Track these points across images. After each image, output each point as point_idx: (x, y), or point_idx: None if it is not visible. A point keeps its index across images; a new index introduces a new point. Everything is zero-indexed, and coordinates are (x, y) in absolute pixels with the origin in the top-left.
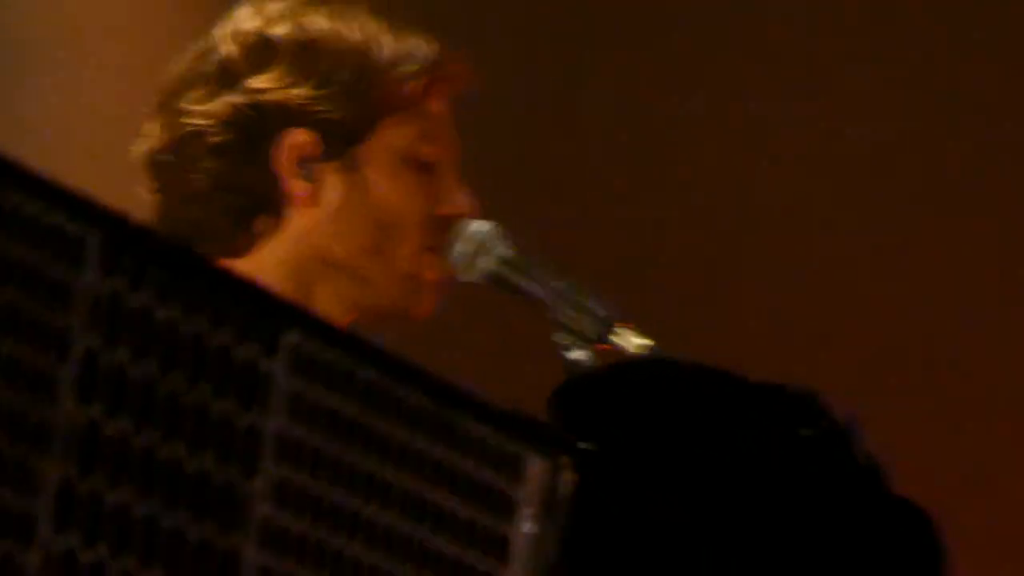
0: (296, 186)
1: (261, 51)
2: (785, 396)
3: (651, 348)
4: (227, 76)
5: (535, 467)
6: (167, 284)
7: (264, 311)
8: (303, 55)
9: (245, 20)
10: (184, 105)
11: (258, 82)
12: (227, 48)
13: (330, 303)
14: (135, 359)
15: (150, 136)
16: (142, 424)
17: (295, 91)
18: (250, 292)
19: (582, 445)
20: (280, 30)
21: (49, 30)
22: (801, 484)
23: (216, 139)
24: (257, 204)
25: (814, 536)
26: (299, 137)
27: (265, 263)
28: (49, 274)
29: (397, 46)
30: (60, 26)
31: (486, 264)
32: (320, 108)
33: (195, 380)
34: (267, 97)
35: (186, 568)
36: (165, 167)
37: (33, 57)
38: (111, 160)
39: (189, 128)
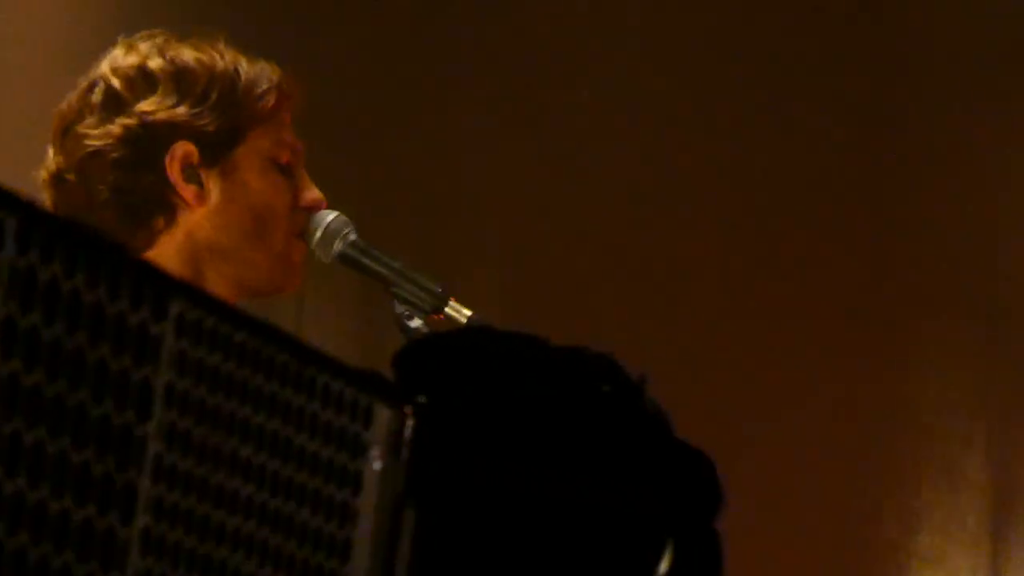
0: (185, 189)
1: (143, 81)
2: (588, 357)
3: (472, 318)
4: (116, 103)
5: (383, 415)
6: (72, 260)
7: (154, 283)
8: (179, 81)
9: (121, 58)
10: (81, 130)
11: (145, 105)
12: (112, 81)
13: (219, 284)
14: (46, 323)
15: (50, 161)
16: (53, 376)
17: (177, 110)
18: (142, 268)
19: (419, 398)
20: (155, 63)
21: None
22: (601, 429)
23: (114, 155)
24: (154, 206)
25: (612, 472)
26: (184, 148)
27: (164, 254)
28: None
29: (252, 70)
30: None
31: (339, 247)
32: (198, 123)
33: (96, 340)
34: (154, 117)
35: (92, 497)
36: (68, 184)
37: None
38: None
39: (89, 149)
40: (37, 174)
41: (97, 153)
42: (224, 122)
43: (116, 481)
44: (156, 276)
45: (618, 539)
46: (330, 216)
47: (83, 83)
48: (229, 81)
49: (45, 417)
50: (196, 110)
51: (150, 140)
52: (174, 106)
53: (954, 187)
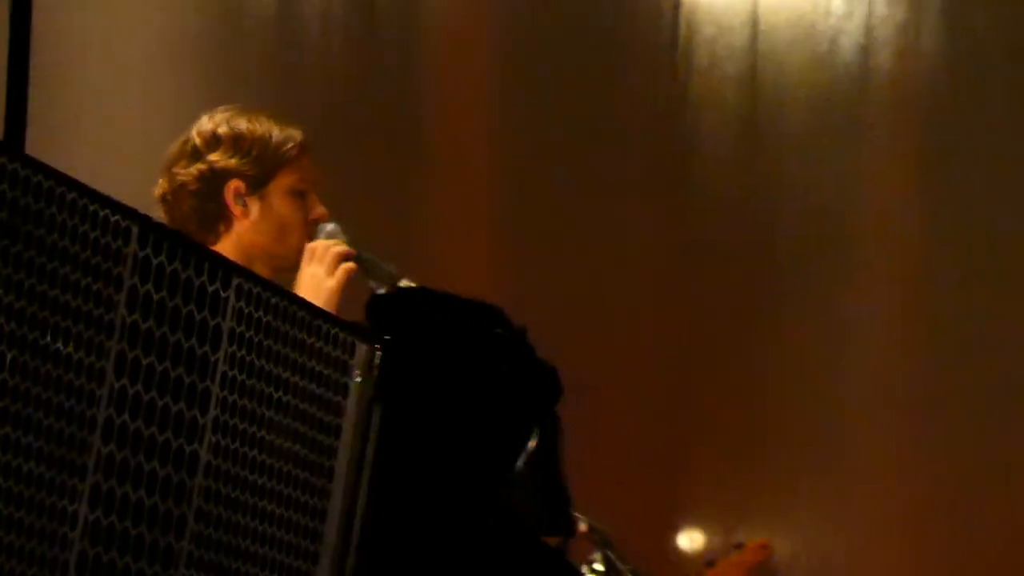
0: (236, 209)
1: (213, 141)
2: (488, 308)
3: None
4: (196, 154)
5: (361, 348)
6: (172, 251)
7: (222, 266)
8: (235, 142)
9: (204, 124)
10: (176, 170)
11: (213, 156)
12: (195, 139)
13: (260, 268)
14: (156, 290)
15: (159, 185)
16: (160, 322)
17: (231, 161)
18: (214, 257)
19: (385, 337)
20: (222, 129)
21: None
22: (499, 355)
23: (193, 187)
24: (218, 220)
25: (504, 379)
26: (235, 184)
27: (225, 249)
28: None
29: (282, 134)
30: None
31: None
32: (244, 169)
33: (187, 301)
34: (217, 165)
35: (181, 395)
36: (169, 203)
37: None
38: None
39: (180, 182)
40: (151, 192)
41: (183, 185)
42: (261, 168)
43: (197, 388)
44: (223, 262)
45: (509, 419)
46: (329, 225)
47: (182, 137)
48: (265, 142)
49: (161, 351)
50: (243, 160)
51: (215, 179)
52: (230, 158)
53: None
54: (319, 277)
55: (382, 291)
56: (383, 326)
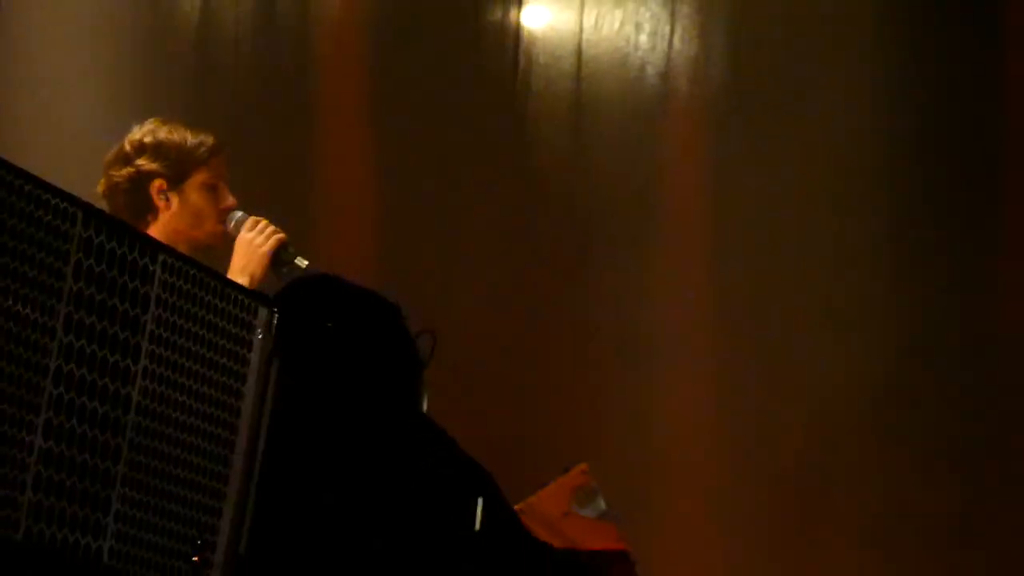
0: (160, 203)
1: (140, 148)
2: (379, 297)
3: (308, 266)
4: (127, 159)
5: (263, 311)
6: (111, 232)
7: (150, 245)
8: (156, 148)
9: (133, 134)
10: (111, 171)
11: (139, 161)
12: (126, 147)
13: (182, 248)
14: (97, 264)
15: (100, 184)
16: (102, 290)
17: (153, 164)
18: (144, 238)
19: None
20: (147, 139)
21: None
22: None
23: (124, 186)
24: (146, 211)
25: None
26: (158, 182)
27: (154, 233)
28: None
29: (195, 139)
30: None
31: (236, 231)
32: (165, 171)
33: (122, 273)
34: (142, 168)
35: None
36: (107, 196)
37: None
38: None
39: (114, 181)
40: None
41: (118, 184)
42: (177, 169)
43: (131, 342)
44: (151, 241)
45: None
46: (238, 213)
47: (116, 145)
48: (181, 147)
49: (101, 313)
50: (164, 164)
51: (142, 179)
52: (153, 162)
53: None
54: (256, 243)
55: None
56: (303, 301)
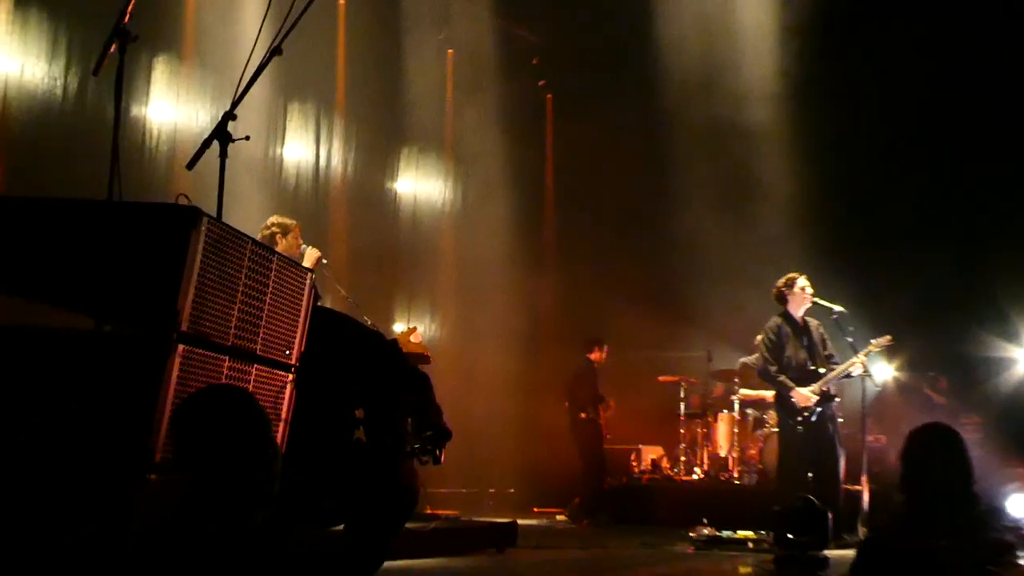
0: (278, 246)
1: (269, 239)
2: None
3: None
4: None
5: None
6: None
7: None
8: (270, 237)
9: (262, 231)
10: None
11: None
12: (260, 235)
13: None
14: None
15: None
16: None
17: (275, 242)
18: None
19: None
20: (265, 233)
21: None
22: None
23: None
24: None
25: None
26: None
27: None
28: None
29: (289, 225)
30: None
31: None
32: (277, 241)
33: None
34: (271, 243)
35: None
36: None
37: None
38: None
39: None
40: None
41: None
42: (283, 239)
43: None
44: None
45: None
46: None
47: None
48: (285, 230)
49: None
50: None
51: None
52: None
53: None
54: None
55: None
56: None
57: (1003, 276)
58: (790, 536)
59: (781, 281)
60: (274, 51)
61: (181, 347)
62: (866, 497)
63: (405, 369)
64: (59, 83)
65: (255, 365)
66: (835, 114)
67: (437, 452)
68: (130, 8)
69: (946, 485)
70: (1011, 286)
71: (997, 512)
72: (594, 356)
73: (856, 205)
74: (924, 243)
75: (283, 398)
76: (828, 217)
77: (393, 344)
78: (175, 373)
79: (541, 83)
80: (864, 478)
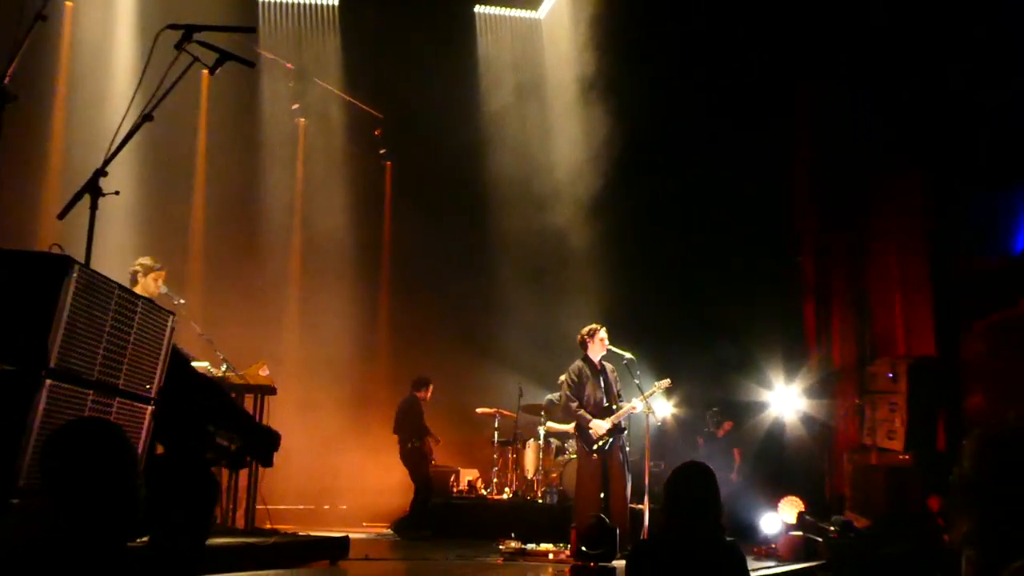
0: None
1: (132, 273)
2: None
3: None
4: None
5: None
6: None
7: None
8: (131, 274)
9: (134, 264)
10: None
11: (134, 281)
12: (131, 269)
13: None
14: None
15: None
16: None
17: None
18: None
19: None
20: (133, 268)
21: None
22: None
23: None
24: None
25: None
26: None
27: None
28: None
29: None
30: None
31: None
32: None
33: None
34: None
35: None
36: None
37: None
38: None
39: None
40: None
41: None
42: (143, 278)
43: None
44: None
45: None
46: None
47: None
48: (147, 271)
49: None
50: (141, 280)
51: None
52: (134, 282)
53: None
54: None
55: None
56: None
57: (755, 335)
58: (584, 549)
59: (584, 330)
60: (146, 117)
61: (49, 381)
62: (647, 515)
63: (195, 375)
64: None
65: (117, 398)
66: (620, 214)
67: (269, 453)
68: (10, 71)
69: (697, 505)
70: (762, 342)
71: (729, 526)
72: (420, 394)
73: (640, 271)
74: (686, 304)
75: (141, 428)
76: (622, 280)
77: (186, 361)
78: (42, 405)
79: (382, 151)
80: (647, 499)
